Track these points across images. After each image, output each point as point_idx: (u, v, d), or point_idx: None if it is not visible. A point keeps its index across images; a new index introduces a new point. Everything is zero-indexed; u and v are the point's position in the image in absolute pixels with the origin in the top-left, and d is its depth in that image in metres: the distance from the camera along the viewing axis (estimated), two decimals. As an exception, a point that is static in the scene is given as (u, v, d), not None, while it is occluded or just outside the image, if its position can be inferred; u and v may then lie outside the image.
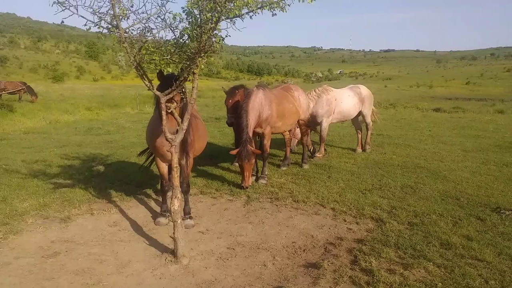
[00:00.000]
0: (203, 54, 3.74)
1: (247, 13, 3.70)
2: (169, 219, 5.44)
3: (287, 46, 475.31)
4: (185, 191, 5.35)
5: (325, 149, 9.72)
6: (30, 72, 77.92)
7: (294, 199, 6.23)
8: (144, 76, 3.90)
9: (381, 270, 3.80)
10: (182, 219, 5.23)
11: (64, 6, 3.52)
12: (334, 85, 10.68)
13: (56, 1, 3.49)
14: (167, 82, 4.12)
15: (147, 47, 3.64)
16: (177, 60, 3.85)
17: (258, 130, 7.14)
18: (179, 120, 4.22)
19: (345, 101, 9.56)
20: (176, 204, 4.24)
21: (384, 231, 4.89)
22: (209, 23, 3.47)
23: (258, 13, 3.82)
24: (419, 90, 66.42)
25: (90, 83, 67.65)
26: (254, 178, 7.34)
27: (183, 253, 4.24)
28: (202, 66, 4.09)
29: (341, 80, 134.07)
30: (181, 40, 3.73)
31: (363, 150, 10.09)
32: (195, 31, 3.55)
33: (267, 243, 4.75)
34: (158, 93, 4.02)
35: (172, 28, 3.64)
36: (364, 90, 10.06)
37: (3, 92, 25.93)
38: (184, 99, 4.28)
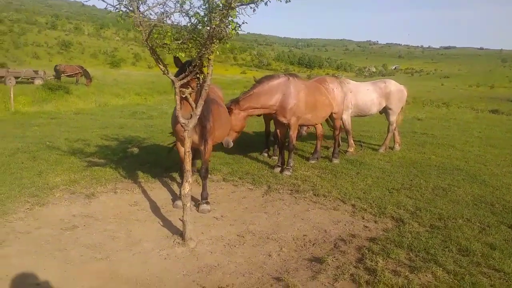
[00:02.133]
0: (215, 40, 3.73)
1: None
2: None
3: (341, 39, 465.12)
4: (204, 177, 5.42)
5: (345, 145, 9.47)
6: (91, 57, 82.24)
7: (314, 193, 6.12)
8: (159, 61, 3.96)
9: (385, 271, 3.64)
10: (199, 203, 5.38)
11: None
12: None
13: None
14: (183, 68, 4.16)
15: (160, 31, 3.68)
16: (190, 45, 3.86)
17: (282, 119, 7.04)
18: (194, 106, 4.25)
19: (362, 95, 9.08)
20: (186, 187, 4.30)
21: (402, 232, 4.68)
22: (219, 9, 3.44)
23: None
24: (478, 90, 62.74)
25: (145, 70, 70.12)
26: (279, 169, 7.27)
27: (191, 236, 4.30)
28: (218, 52, 4.09)
29: (396, 76, 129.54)
30: (191, 25, 3.73)
31: (378, 150, 9.55)
32: (206, 16, 3.55)
33: (277, 234, 4.70)
34: (173, 77, 4.07)
35: (184, 13, 3.65)
36: (390, 85, 9.41)
37: (63, 74, 27.55)
38: (199, 85, 4.29)
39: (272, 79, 7.02)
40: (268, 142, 8.97)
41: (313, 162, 8.15)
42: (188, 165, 4.30)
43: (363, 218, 5.23)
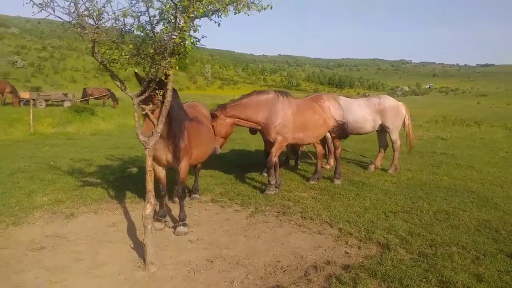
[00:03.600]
0: (166, 55, 3.61)
1: (213, 12, 3.51)
2: (165, 224, 5.40)
3: (373, 59, 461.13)
4: (180, 197, 5.25)
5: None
6: (125, 80, 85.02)
7: (302, 215, 5.81)
8: (114, 76, 3.88)
9: (346, 304, 3.30)
10: (175, 225, 5.19)
11: (41, 7, 3.62)
12: (420, 100, 9.85)
13: (33, 2, 3.60)
14: (142, 83, 4.06)
15: (109, 46, 3.60)
16: (141, 61, 3.77)
17: (268, 137, 6.83)
18: (155, 123, 4.13)
19: (352, 111, 8.66)
20: (148, 208, 4.15)
21: (382, 259, 4.30)
22: (161, 23, 3.34)
23: (229, 12, 3.61)
24: (517, 108, 59.88)
25: (175, 92, 71.65)
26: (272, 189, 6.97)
27: (151, 260, 4.11)
28: (177, 68, 3.98)
29: (429, 95, 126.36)
30: (136, 39, 3.64)
31: (388, 171, 9.02)
32: (150, 31, 3.45)
33: (250, 259, 4.43)
34: (130, 94, 3.99)
35: (127, 26, 3.56)
36: (385, 101, 8.93)
37: (90, 97, 28.53)
38: (162, 102, 4.16)
39: (260, 94, 6.88)
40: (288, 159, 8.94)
41: (313, 182, 7.83)
42: (149, 185, 4.15)
43: (347, 244, 4.87)
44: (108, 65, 3.72)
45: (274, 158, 7.01)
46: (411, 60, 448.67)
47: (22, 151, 10.56)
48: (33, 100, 25.23)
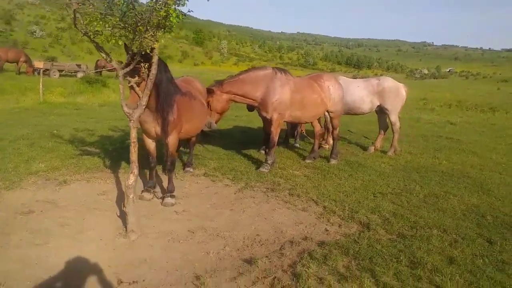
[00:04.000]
0: (148, 28, 3.63)
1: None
2: (154, 195, 5.52)
3: (394, 40, 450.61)
4: (169, 170, 5.35)
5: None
6: (110, 51, 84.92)
7: (290, 192, 5.87)
8: (100, 48, 3.93)
9: (310, 278, 3.38)
10: (163, 196, 5.32)
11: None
12: (438, 83, 9.61)
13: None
14: (128, 56, 4.10)
15: (92, 17, 3.63)
16: (126, 33, 3.80)
17: (264, 114, 6.84)
18: (140, 95, 4.19)
19: (350, 92, 8.57)
20: (131, 178, 4.26)
21: (360, 238, 4.36)
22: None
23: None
24: (539, 95, 58.18)
25: (190, 67, 71.76)
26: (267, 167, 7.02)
27: (133, 228, 4.23)
28: (162, 41, 4.00)
29: (449, 79, 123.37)
30: (117, 11, 3.65)
31: (387, 153, 8.99)
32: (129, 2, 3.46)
33: (230, 232, 4.54)
34: (116, 66, 4.04)
35: None
36: (384, 82, 8.79)
37: (103, 69, 28.71)
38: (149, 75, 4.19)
39: (258, 70, 6.87)
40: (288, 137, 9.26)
41: (309, 161, 7.85)
42: (133, 156, 4.25)
43: (328, 221, 4.93)
44: (92, 36, 3.75)
45: (276, 138, 7.06)
46: (433, 43, 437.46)
47: (29, 119, 10.80)
48: (47, 70, 25.57)
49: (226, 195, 5.77)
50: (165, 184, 5.90)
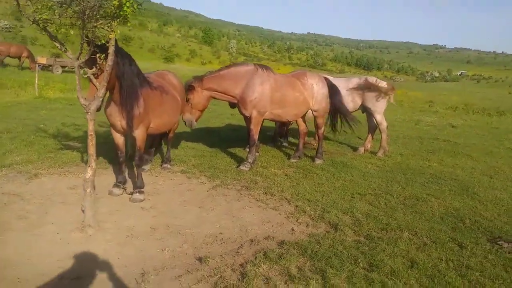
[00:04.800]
0: (98, 17, 3.54)
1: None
2: (124, 190, 5.42)
3: (405, 42, 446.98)
4: (137, 165, 5.26)
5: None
6: (148, 52, 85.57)
7: (265, 191, 5.74)
8: (53, 38, 3.83)
9: (258, 278, 3.25)
10: (132, 192, 5.22)
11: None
12: (448, 86, 9.45)
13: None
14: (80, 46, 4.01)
15: (42, 5, 3.53)
16: (72, 22, 3.70)
17: (244, 112, 6.70)
18: (97, 87, 4.10)
19: None
20: (89, 172, 4.16)
21: (323, 239, 4.21)
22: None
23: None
24: (550, 100, 57.23)
25: (197, 66, 71.80)
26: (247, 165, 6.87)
27: (89, 223, 4.14)
28: (118, 32, 3.90)
29: (460, 82, 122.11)
30: None
31: (376, 154, 8.80)
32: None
33: (193, 229, 4.42)
34: (71, 56, 3.95)
35: None
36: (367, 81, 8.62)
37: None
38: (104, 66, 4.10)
39: (239, 66, 6.75)
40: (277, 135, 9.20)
41: (293, 161, 7.70)
42: (91, 149, 4.16)
43: (297, 221, 4.79)
44: (41, 25, 3.65)
45: (256, 136, 6.92)
46: (445, 45, 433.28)
47: (20, 113, 10.79)
48: (50, 65, 25.70)
49: (198, 192, 5.65)
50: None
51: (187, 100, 6.47)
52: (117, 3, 3.57)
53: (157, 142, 6.82)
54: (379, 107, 8.52)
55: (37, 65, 19.06)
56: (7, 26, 70.24)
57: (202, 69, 59.21)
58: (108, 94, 4.83)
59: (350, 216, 5.00)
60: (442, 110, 24.27)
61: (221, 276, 3.32)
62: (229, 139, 9.38)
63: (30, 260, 3.54)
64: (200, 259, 3.68)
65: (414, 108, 24.30)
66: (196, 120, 6.68)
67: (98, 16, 3.57)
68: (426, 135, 12.76)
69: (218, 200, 5.37)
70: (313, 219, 4.85)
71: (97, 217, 4.45)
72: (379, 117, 8.60)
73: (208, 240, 4.19)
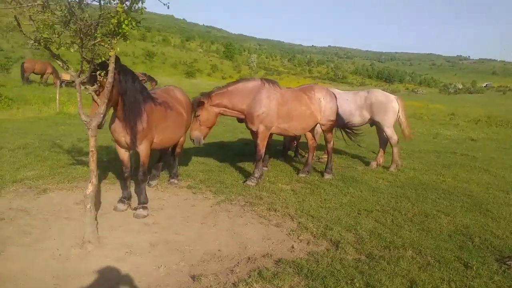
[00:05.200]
0: (96, 35, 3.64)
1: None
2: (128, 206, 5.48)
3: (428, 54, 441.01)
4: (141, 180, 5.30)
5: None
6: (171, 67, 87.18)
7: (269, 207, 5.69)
8: (55, 56, 3.95)
9: (247, 298, 3.20)
10: (135, 208, 5.27)
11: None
12: (472, 98, 9.26)
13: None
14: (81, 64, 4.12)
15: (44, 23, 3.64)
16: (72, 41, 3.81)
17: (251, 126, 6.72)
18: (99, 103, 4.19)
19: (339, 105, 8.11)
20: (89, 188, 4.23)
21: (322, 257, 4.14)
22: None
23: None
24: None
25: (218, 80, 72.48)
26: (252, 180, 6.85)
27: (89, 239, 4.19)
28: (118, 49, 3.99)
29: (485, 94, 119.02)
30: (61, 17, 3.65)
31: (389, 169, 8.64)
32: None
33: (192, 246, 4.42)
34: (73, 73, 4.06)
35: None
36: (372, 96, 8.50)
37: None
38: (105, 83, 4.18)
39: (247, 81, 6.78)
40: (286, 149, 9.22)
41: (302, 176, 7.64)
42: (92, 165, 4.23)
43: (298, 238, 4.73)
44: (42, 44, 3.77)
45: (262, 151, 6.91)
46: (469, 56, 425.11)
47: (39, 128, 11.14)
48: (74, 81, 26.47)
49: (202, 208, 5.66)
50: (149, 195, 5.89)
51: (196, 117, 6.50)
52: (116, 22, 3.67)
53: (164, 157, 6.88)
54: (387, 121, 8.39)
55: (59, 81, 19.63)
56: (36, 44, 72.83)
57: (222, 83, 60.03)
58: (112, 110, 4.95)
59: (353, 234, 4.91)
60: (463, 123, 23.68)
61: (210, 295, 3.29)
62: (241, 154, 9.39)
63: (28, 275, 3.60)
64: (193, 277, 3.66)
65: (434, 121, 23.82)
66: (204, 137, 6.67)
67: (96, 35, 3.66)
68: (443, 149, 12.46)
69: (220, 216, 5.36)
70: (314, 236, 4.78)
71: (98, 233, 4.52)
72: (389, 131, 8.47)
73: (205, 258, 4.17)
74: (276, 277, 3.62)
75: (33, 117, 14.26)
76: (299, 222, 5.20)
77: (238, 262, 4.04)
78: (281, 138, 10.13)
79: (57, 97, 15.39)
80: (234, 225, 5.10)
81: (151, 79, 30.60)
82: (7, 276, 3.57)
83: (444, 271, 3.99)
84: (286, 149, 9.29)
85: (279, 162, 8.87)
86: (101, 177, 6.66)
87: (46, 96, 19.89)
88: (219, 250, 4.37)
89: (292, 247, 4.49)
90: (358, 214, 5.69)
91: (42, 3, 3.47)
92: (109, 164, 7.53)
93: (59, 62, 4.02)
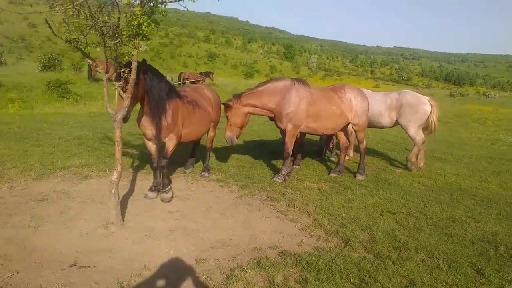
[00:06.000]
0: (117, 35, 4.00)
1: None
2: (157, 194, 5.87)
3: (504, 55, 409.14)
4: (162, 166, 5.67)
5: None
6: (231, 68, 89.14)
7: (288, 203, 5.82)
8: (85, 54, 4.37)
9: (239, 282, 3.39)
10: (161, 192, 5.67)
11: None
12: None
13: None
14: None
15: (74, 25, 4.05)
16: (99, 41, 4.19)
17: (279, 125, 6.85)
18: (124, 98, 4.58)
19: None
20: (114, 175, 4.63)
21: (328, 252, 4.21)
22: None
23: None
24: None
25: (275, 81, 72.87)
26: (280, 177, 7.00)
27: (113, 221, 4.60)
28: (140, 49, 4.34)
29: None
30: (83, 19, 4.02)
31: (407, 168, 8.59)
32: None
33: (206, 234, 4.68)
34: (101, 71, 4.47)
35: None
36: (404, 97, 8.33)
37: (186, 81, 30.75)
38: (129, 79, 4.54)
39: (278, 81, 6.91)
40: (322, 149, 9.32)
41: (333, 175, 7.64)
42: (117, 154, 4.63)
43: (310, 234, 4.82)
44: (73, 44, 4.19)
45: (290, 149, 7.03)
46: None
47: (97, 123, 12.09)
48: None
49: (225, 200, 5.92)
50: (177, 185, 6.29)
51: (227, 118, 6.80)
52: (136, 23, 4.01)
53: (196, 150, 7.27)
54: (413, 123, 8.19)
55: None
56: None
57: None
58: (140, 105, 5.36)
59: (368, 233, 4.89)
60: (533, 129, 21.88)
61: (207, 277, 3.52)
62: (277, 152, 9.52)
63: (55, 249, 4.06)
64: (197, 261, 3.91)
65: (499, 127, 22.26)
66: (236, 137, 6.91)
67: (117, 35, 4.03)
68: (499, 156, 11.72)
69: (239, 209, 5.58)
70: (327, 233, 4.84)
71: (126, 217, 4.95)
72: (412, 131, 8.27)
73: (215, 245, 4.41)
74: (272, 266, 3.77)
75: (95, 112, 15.46)
76: (315, 219, 5.27)
77: (243, 251, 4.23)
78: (317, 138, 10.17)
79: (116, 94, 16.44)
80: (251, 217, 5.29)
81: (207, 74, 32.02)
82: (38, 248, 4.05)
83: (451, 275, 3.89)
84: (322, 149, 9.30)
85: (313, 161, 8.91)
86: (140, 167, 7.17)
87: (111, 93, 21.36)
88: (230, 239, 4.59)
89: (301, 241, 4.60)
90: (380, 215, 5.63)
91: (76, 7, 3.88)
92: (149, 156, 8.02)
93: (89, 60, 4.45)
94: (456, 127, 20.84)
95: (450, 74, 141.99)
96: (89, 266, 3.74)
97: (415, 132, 8.27)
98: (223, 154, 8.67)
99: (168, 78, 22.85)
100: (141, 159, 7.72)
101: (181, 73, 32.77)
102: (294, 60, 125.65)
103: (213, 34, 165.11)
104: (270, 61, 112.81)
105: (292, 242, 4.58)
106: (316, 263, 3.89)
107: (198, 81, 31.40)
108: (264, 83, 7.02)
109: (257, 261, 3.88)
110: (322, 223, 5.13)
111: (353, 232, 4.86)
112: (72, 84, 21.43)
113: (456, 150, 12.14)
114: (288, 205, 5.77)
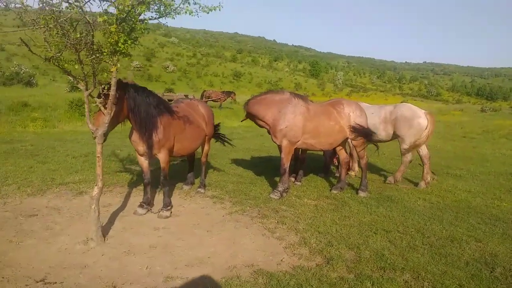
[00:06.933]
0: (92, 52, 4.07)
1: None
2: (147, 210, 5.86)
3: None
4: (162, 184, 5.73)
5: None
6: (256, 86, 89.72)
7: (278, 220, 5.67)
8: (67, 72, 4.46)
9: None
10: (159, 210, 5.69)
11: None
12: None
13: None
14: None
15: (50, 42, 4.13)
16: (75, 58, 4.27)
17: (274, 140, 6.76)
18: (105, 114, 4.63)
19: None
20: (95, 191, 4.66)
21: (305, 271, 4.05)
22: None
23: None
24: None
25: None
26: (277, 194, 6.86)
27: (92, 237, 4.59)
28: (119, 65, 4.39)
29: None
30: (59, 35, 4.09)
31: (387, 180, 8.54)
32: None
33: (186, 251, 4.60)
34: (82, 87, 4.54)
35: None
36: (399, 110, 8.09)
37: (208, 99, 31.16)
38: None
39: (275, 94, 6.88)
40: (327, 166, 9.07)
41: (335, 192, 7.43)
42: (98, 170, 4.66)
43: (293, 252, 4.66)
44: (52, 62, 4.27)
45: (286, 165, 6.92)
46: None
47: (108, 139, 12.29)
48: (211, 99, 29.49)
49: (214, 217, 5.83)
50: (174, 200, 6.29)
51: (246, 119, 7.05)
52: (113, 41, 4.07)
53: (192, 165, 7.29)
54: (407, 137, 7.95)
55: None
56: (138, 66, 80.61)
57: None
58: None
59: (354, 252, 4.69)
60: None
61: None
62: (274, 167, 9.40)
63: (29, 264, 4.08)
64: (168, 278, 3.84)
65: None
66: None
67: (92, 52, 4.10)
68: (503, 170, 11.13)
69: (227, 226, 5.48)
70: (311, 252, 4.66)
71: (109, 233, 4.95)
72: (405, 147, 7.99)
73: (192, 263, 4.32)
74: (240, 285, 3.64)
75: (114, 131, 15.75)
76: (302, 237, 5.10)
77: (216, 269, 4.12)
78: (320, 153, 9.99)
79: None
80: (236, 235, 5.17)
81: (229, 93, 32.35)
82: (14, 263, 4.08)
83: (433, 298, 3.64)
84: (326, 165, 9.10)
85: (317, 178, 8.72)
86: (136, 183, 7.21)
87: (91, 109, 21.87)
88: (209, 257, 4.49)
89: (282, 260, 4.44)
90: (374, 233, 5.40)
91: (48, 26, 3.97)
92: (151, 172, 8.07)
93: (70, 78, 4.53)
94: (481, 143, 20.03)
95: (482, 89, 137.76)
96: (55, 282, 3.72)
97: (408, 150, 8.05)
98: (225, 169, 8.63)
99: (190, 96, 23.62)
100: (140, 175, 7.75)
101: (204, 91, 33.27)
102: (320, 77, 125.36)
103: (240, 53, 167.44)
104: (296, 79, 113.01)
105: (272, 260, 4.43)
106: (288, 283, 3.74)
107: (219, 99, 31.78)
108: (265, 93, 7.11)
109: (226, 280, 3.76)
110: (309, 241, 4.96)
111: (338, 251, 4.66)
112: (93, 103, 22.05)
113: (475, 166, 11.61)
114: (278, 222, 5.62)
